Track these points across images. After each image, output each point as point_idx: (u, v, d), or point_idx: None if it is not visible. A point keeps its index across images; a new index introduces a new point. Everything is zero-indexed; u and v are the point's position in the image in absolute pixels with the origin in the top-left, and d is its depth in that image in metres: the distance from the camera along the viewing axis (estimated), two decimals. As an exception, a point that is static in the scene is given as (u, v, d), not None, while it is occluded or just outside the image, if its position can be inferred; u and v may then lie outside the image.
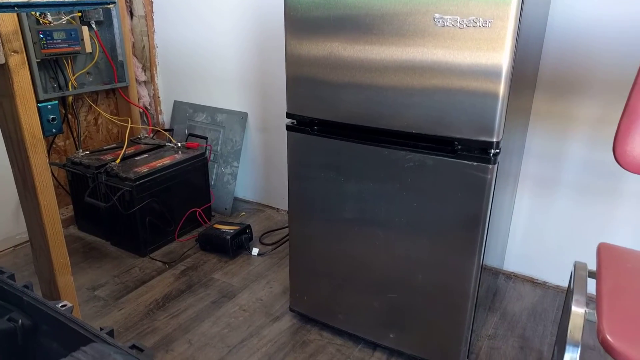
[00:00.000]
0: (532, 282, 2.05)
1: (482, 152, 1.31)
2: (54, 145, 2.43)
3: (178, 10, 2.59)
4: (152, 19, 2.68)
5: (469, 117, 1.28)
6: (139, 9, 2.62)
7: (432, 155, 1.37)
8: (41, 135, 1.38)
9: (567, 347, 0.96)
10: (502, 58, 1.20)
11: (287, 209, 2.65)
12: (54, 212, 1.45)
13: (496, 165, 1.31)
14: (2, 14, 1.24)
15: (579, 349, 0.96)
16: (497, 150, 1.30)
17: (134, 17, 2.64)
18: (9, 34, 1.24)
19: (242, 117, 2.59)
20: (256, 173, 2.69)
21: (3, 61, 1.26)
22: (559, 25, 1.72)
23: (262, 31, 2.37)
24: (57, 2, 1.24)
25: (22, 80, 1.30)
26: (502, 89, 1.23)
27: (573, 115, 1.79)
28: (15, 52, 1.27)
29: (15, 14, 1.27)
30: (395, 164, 1.42)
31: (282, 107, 2.45)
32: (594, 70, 1.71)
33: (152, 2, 2.64)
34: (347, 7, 1.35)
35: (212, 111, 2.69)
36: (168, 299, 1.91)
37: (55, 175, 2.45)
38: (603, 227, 1.84)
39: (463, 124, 1.30)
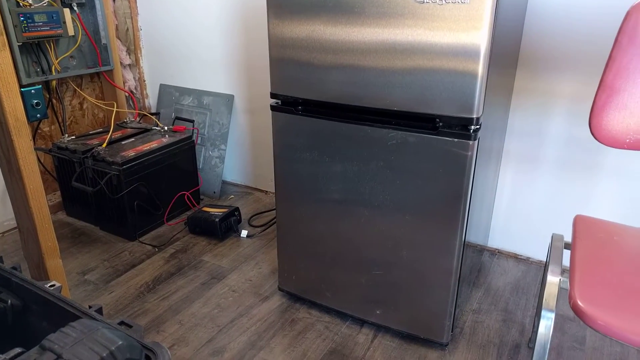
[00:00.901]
0: (516, 257, 2.09)
1: (462, 128, 1.33)
2: (39, 131, 2.42)
3: (161, -8, 2.56)
4: (135, 0, 2.65)
5: (449, 95, 1.30)
6: (121, -9, 2.59)
7: (414, 133, 1.39)
8: (25, 119, 1.37)
9: (542, 313, 0.99)
10: (480, 35, 1.22)
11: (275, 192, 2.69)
12: (40, 195, 1.45)
13: (477, 142, 1.34)
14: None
15: (553, 315, 0.99)
16: (477, 127, 1.32)
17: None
18: (-13, 16, 1.23)
19: (229, 99, 2.59)
20: (244, 156, 2.70)
21: (-18, 44, 1.25)
22: (540, 2, 1.73)
23: (247, 11, 2.35)
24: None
25: (3, 63, 1.30)
26: (481, 66, 1.24)
27: (553, 92, 1.82)
28: (-5, 34, 1.26)
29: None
30: (378, 142, 1.44)
31: (268, 88, 2.44)
32: (573, 47, 1.73)
33: (134, -16, 2.61)
34: (328, -14, 1.35)
35: (199, 94, 2.68)
36: (158, 282, 1.93)
37: (42, 161, 2.44)
38: (583, 201, 1.88)
39: (444, 102, 1.32)
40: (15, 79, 1.33)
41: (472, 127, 1.32)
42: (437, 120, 1.35)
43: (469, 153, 1.34)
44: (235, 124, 2.64)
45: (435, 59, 1.28)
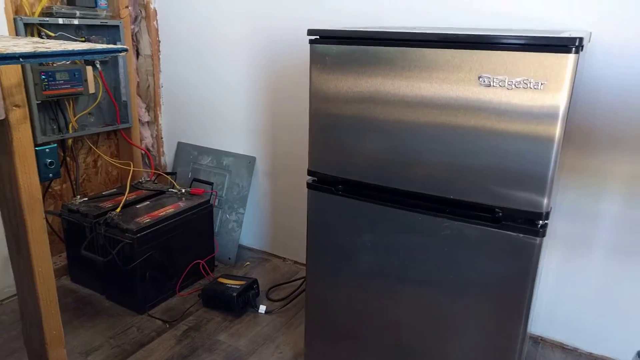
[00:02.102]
0: (562, 347, 1.90)
1: (528, 222, 1.19)
2: (49, 190, 2.29)
3: (185, 49, 2.50)
4: (159, 58, 2.59)
5: (515, 182, 1.17)
6: (145, 48, 2.53)
7: (472, 225, 1.24)
8: (40, 196, 1.24)
9: None
10: (553, 123, 1.10)
11: (294, 259, 2.53)
12: (49, 279, 1.30)
13: (544, 238, 1.19)
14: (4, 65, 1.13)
15: None
16: (546, 222, 1.18)
17: (140, 57, 2.55)
18: (11, 87, 1.12)
19: (250, 161, 2.47)
20: (263, 220, 2.55)
21: (3, 116, 1.14)
22: (593, 76, 1.63)
23: (273, 72, 2.28)
24: (65, 51, 1.12)
25: (22, 137, 1.18)
26: (553, 153, 1.12)
27: (608, 170, 1.69)
28: (17, 106, 1.15)
29: (19, 66, 1.16)
30: (430, 231, 1.30)
31: (293, 151, 2.33)
32: (630, 122, 1.62)
33: (159, 41, 2.55)
34: (381, 58, 1.25)
35: (218, 154, 2.57)
36: (169, 367, 1.74)
37: (50, 221, 2.30)
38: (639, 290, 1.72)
39: (508, 189, 1.18)
40: (33, 153, 1.20)
41: (541, 222, 1.18)
42: (498, 210, 1.21)
43: (535, 250, 1.19)
44: (256, 187, 2.51)
45: (502, 140, 1.16)
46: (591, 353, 1.86)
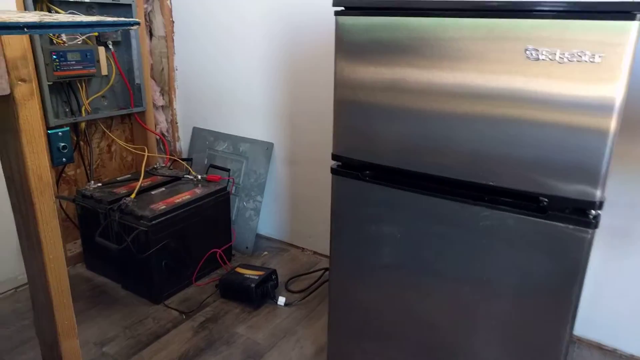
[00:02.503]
0: (600, 348, 1.79)
1: (578, 212, 1.08)
2: (63, 175, 2.23)
3: (201, 30, 2.41)
4: (173, 39, 2.50)
5: (564, 164, 1.05)
6: (159, 29, 2.44)
7: (515, 214, 1.14)
8: (49, 179, 1.16)
9: None
10: (612, 102, 0.98)
11: (313, 249, 2.44)
12: (61, 268, 1.22)
13: (596, 230, 1.08)
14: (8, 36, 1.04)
15: None
16: (599, 212, 1.07)
17: (153, 38, 2.46)
18: (16, 59, 1.04)
19: (268, 147, 2.38)
20: (281, 209, 2.46)
21: (8, 91, 1.05)
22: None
23: (293, 54, 2.17)
24: (73, 22, 1.03)
25: (29, 114, 1.09)
26: (611, 131, 1.00)
27: (656, 160, 1.56)
28: (23, 80, 1.07)
29: (24, 37, 1.07)
30: (467, 221, 1.19)
31: (313, 137, 2.23)
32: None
33: (173, 22, 2.46)
34: (413, 31, 1.13)
35: (235, 140, 2.48)
36: None
37: (64, 207, 2.24)
38: (690, 290, 1.59)
39: (556, 175, 1.07)
40: (42, 132, 1.12)
41: (594, 212, 1.06)
42: (543, 199, 1.10)
43: (586, 244, 1.08)
44: (273, 175, 2.42)
45: (548, 116, 1.05)
46: (633, 355, 1.74)
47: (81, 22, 1.05)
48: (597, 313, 1.77)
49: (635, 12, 0.92)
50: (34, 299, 1.33)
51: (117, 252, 1.97)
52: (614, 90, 0.97)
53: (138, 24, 1.17)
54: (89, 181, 2.23)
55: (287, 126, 2.31)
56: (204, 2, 2.34)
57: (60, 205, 2.21)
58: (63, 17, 1.22)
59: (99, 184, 2.16)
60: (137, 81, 2.37)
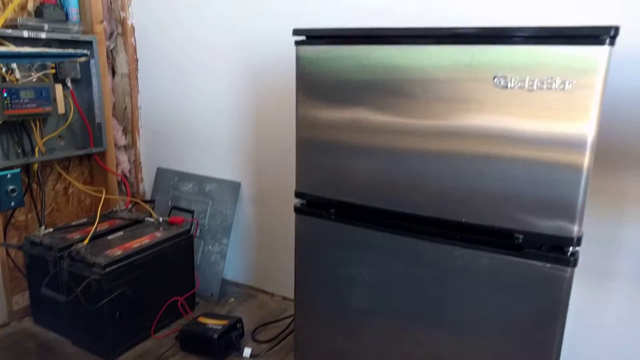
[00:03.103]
0: (586, 393, 1.68)
1: (556, 249, 1.00)
2: (12, 220, 2.07)
3: (166, 69, 2.34)
4: (137, 77, 2.42)
5: (538, 202, 0.99)
6: (122, 66, 2.37)
7: (489, 253, 1.05)
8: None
9: None
10: (585, 130, 0.93)
11: (283, 295, 2.31)
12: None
13: (575, 268, 1.00)
14: None
15: None
16: (577, 249, 0.99)
17: (116, 75, 2.38)
18: None
19: (234, 187, 2.28)
20: (248, 252, 2.34)
21: None
22: (615, 88, 1.47)
23: (259, 93, 2.11)
24: (14, 52, 0.95)
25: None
26: (585, 165, 0.94)
27: (631, 193, 1.51)
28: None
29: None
30: (440, 261, 1.10)
31: (281, 176, 2.14)
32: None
33: (137, 60, 2.39)
34: (377, 61, 1.08)
35: (200, 180, 2.37)
36: None
37: (12, 256, 2.07)
38: (675, 330, 1.52)
39: (530, 211, 1.00)
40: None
41: (572, 248, 0.99)
42: (518, 236, 1.03)
43: (565, 283, 1.00)
44: (241, 215, 2.31)
45: (520, 151, 0.98)
46: (619, 398, 1.64)
47: (20, 52, 0.97)
48: (581, 350, 1.68)
49: (604, 37, 0.88)
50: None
51: (65, 304, 1.80)
52: (587, 123, 0.92)
53: (86, 55, 1.08)
54: (40, 227, 2.07)
55: (255, 165, 2.22)
56: (169, 41, 2.29)
57: (8, 253, 2.04)
58: (3, 48, 1.13)
59: (51, 230, 2.01)
60: (97, 120, 2.26)
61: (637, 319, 1.56)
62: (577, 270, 1.60)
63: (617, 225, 1.55)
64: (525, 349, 1.06)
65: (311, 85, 1.17)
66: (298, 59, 1.18)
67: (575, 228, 0.97)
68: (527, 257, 1.02)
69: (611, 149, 1.51)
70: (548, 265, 1.00)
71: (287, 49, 1.97)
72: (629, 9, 1.40)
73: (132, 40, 2.35)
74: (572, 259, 0.99)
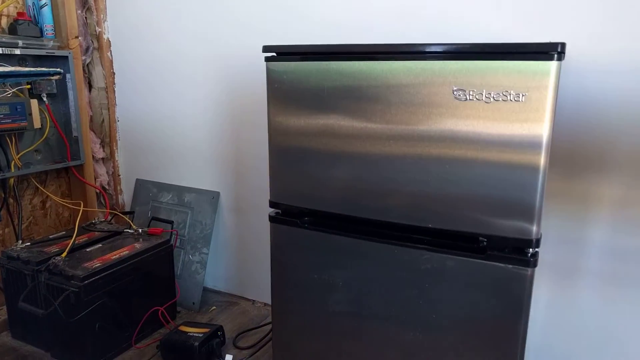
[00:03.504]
0: (557, 387, 1.75)
1: (517, 251, 1.06)
2: (-11, 235, 2.07)
3: (143, 81, 2.36)
4: (114, 90, 2.44)
5: (499, 207, 1.04)
6: (99, 80, 2.38)
7: (454, 256, 1.11)
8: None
9: None
10: (539, 139, 0.99)
11: (264, 301, 2.34)
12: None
13: (536, 268, 1.06)
14: None
15: None
16: (537, 250, 1.05)
17: (92, 89, 2.39)
18: None
19: (214, 196, 2.30)
20: (228, 260, 2.36)
21: None
22: (572, 97, 1.55)
23: (236, 103, 2.15)
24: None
25: None
26: (541, 166, 1.00)
27: (593, 195, 1.59)
28: None
29: None
30: (409, 265, 1.15)
31: (259, 185, 2.18)
32: (615, 144, 1.53)
33: (114, 73, 2.41)
34: (344, 75, 1.13)
35: (180, 190, 2.39)
36: None
37: (-11, 271, 2.06)
38: (636, 325, 1.59)
39: (492, 216, 1.05)
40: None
41: (531, 249, 1.05)
42: (482, 239, 1.08)
43: (527, 282, 1.06)
44: (220, 225, 2.34)
45: (481, 160, 1.04)
46: (588, 391, 1.71)
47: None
48: (550, 348, 1.75)
49: (552, 53, 0.95)
50: None
51: (44, 317, 1.80)
52: (540, 128, 0.98)
53: (59, 73, 1.11)
54: (17, 241, 2.07)
55: (233, 174, 2.25)
56: (145, 55, 2.31)
57: (-15, 268, 2.03)
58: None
59: (28, 243, 2.01)
60: (74, 134, 2.27)
61: (604, 311, 1.64)
62: (547, 268, 1.68)
63: (582, 225, 1.63)
64: (492, 343, 1.11)
65: (282, 96, 1.21)
66: (268, 72, 1.22)
67: (534, 229, 1.03)
68: (490, 259, 1.08)
69: (574, 154, 1.59)
70: (510, 266, 1.06)
71: (262, 61, 2.02)
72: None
73: (109, 54, 2.37)
74: (532, 259, 1.05)
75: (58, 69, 1.11)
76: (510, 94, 0.99)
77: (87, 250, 1.98)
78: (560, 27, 1.51)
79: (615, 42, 1.46)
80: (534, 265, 1.04)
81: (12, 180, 2.09)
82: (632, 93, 1.47)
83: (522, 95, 0.98)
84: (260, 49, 1.98)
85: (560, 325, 1.71)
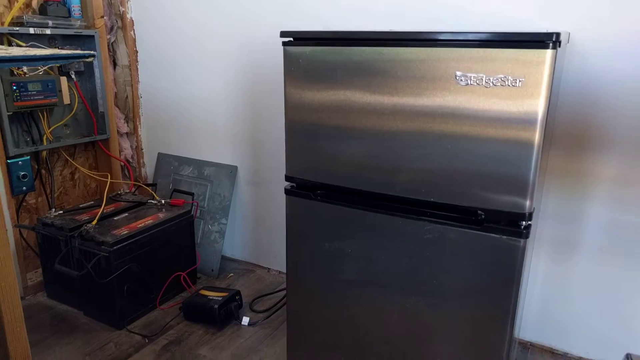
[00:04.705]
0: (552, 353, 1.87)
1: (511, 224, 1.16)
2: (24, 204, 2.22)
3: (164, 58, 2.46)
4: (137, 68, 2.54)
5: (497, 181, 1.14)
6: (123, 58, 2.49)
7: (454, 227, 1.21)
8: (1, 208, 1.18)
9: None
10: (534, 119, 1.07)
11: (279, 269, 2.48)
12: (13, 295, 1.23)
13: (528, 239, 1.16)
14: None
15: None
16: (529, 223, 1.15)
17: (117, 67, 2.50)
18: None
19: (232, 170, 2.43)
20: (246, 230, 2.50)
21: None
22: (574, 79, 1.62)
23: (254, 79, 2.24)
24: (26, 57, 1.08)
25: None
26: (536, 145, 1.09)
27: (592, 173, 1.67)
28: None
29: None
30: (412, 235, 1.26)
31: (276, 159, 2.29)
32: (615, 124, 1.60)
33: (137, 52, 2.51)
34: (356, 59, 1.22)
35: (199, 164, 2.52)
36: (147, 384, 1.67)
37: (24, 236, 2.23)
38: (630, 295, 1.69)
39: (490, 190, 1.15)
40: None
41: (524, 222, 1.14)
42: (480, 213, 1.18)
43: (519, 252, 1.16)
44: (238, 197, 2.46)
45: (482, 130, 1.13)
46: (581, 357, 1.82)
47: (34, 55, 1.10)
48: (548, 319, 1.85)
49: (548, 42, 1.02)
50: (-11, 328, 1.33)
51: (77, 278, 1.96)
52: (536, 110, 1.07)
53: (93, 56, 1.22)
54: (50, 209, 2.22)
55: (250, 149, 2.36)
56: (167, 33, 2.40)
57: (21, 234, 2.20)
58: (17, 51, 1.26)
59: (60, 212, 2.16)
60: (100, 109, 2.39)
61: (598, 282, 1.74)
62: (546, 243, 1.78)
63: (581, 202, 1.71)
64: (487, 307, 1.22)
65: (298, 77, 1.31)
66: (286, 55, 1.31)
67: (527, 203, 1.13)
68: (487, 230, 1.18)
69: (575, 134, 1.67)
70: (504, 237, 1.16)
71: (279, 40, 2.10)
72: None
73: (132, 33, 2.46)
74: (524, 231, 1.14)
75: (92, 52, 1.21)
76: (508, 80, 1.07)
77: (115, 218, 2.13)
78: (567, 13, 1.57)
79: (619, 25, 1.52)
80: (526, 236, 1.14)
81: (44, 153, 2.23)
82: (634, 75, 1.53)
83: (519, 80, 1.06)
84: (281, 27, 2.07)
85: (557, 297, 1.82)
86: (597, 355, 1.79)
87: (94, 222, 2.03)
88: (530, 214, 1.14)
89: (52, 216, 2.11)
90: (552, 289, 1.83)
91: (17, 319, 1.25)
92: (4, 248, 1.17)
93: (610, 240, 1.68)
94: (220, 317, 1.97)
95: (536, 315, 1.88)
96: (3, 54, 1.05)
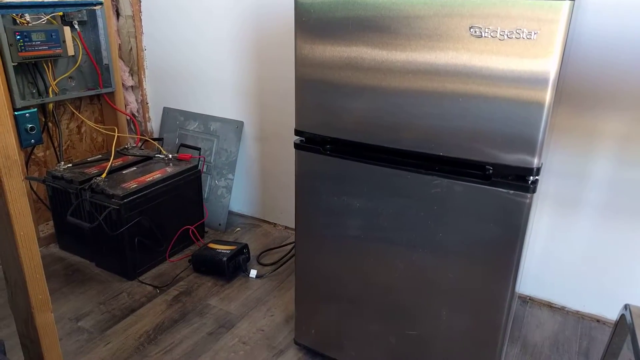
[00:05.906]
0: (550, 306, 1.92)
1: (519, 178, 1.17)
2: (32, 156, 2.24)
3: (168, 9, 2.41)
4: (140, 19, 2.49)
5: (505, 135, 1.14)
6: (125, 8, 2.43)
7: (462, 182, 1.22)
8: (17, 157, 1.19)
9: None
10: (546, 76, 1.06)
11: (285, 224, 2.52)
12: (32, 243, 1.27)
13: (535, 195, 1.18)
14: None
15: None
16: (537, 178, 1.16)
17: (120, 18, 2.45)
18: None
19: (238, 125, 2.42)
20: (252, 185, 2.52)
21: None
22: (587, 33, 1.59)
23: (260, 33, 2.20)
24: (35, 2, 1.06)
25: (-7, 94, 1.12)
26: (546, 103, 1.08)
27: (598, 130, 1.67)
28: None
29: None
30: (419, 189, 1.27)
31: (282, 115, 2.28)
32: (622, 81, 1.59)
33: (140, 2, 2.45)
34: (368, 9, 1.19)
35: (205, 119, 2.51)
36: (160, 331, 1.74)
37: (35, 189, 2.26)
38: (628, 250, 1.72)
39: (498, 144, 1.15)
40: (7, 110, 1.15)
41: (532, 177, 1.15)
42: (488, 167, 1.19)
43: (526, 207, 1.17)
44: (244, 152, 2.47)
45: (491, 89, 1.13)
46: (578, 311, 1.88)
47: (43, 2, 1.08)
48: (547, 274, 1.90)
49: (565, -8, 1.00)
50: (7, 277, 1.37)
51: (89, 230, 2.01)
52: (548, 65, 1.05)
53: (101, 3, 1.19)
54: (59, 162, 2.24)
55: (257, 104, 2.35)
56: (169, -19, 2.34)
57: (31, 186, 2.22)
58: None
59: (69, 165, 2.18)
60: (105, 61, 2.37)
61: (598, 240, 1.77)
62: (550, 200, 1.79)
63: (586, 160, 1.72)
64: (491, 261, 1.25)
65: (309, 29, 1.28)
66: (296, 6, 1.29)
67: (536, 160, 1.13)
68: (494, 185, 1.19)
69: (585, 91, 1.65)
70: (512, 191, 1.17)
71: (286, -8, 2.05)
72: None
73: (135, -19, 2.40)
74: (532, 186, 1.15)
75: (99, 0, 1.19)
76: (523, 32, 1.05)
77: (123, 172, 2.15)
78: (584, -38, 1.52)
79: (637, -21, 1.48)
80: (533, 191, 1.16)
81: (50, 105, 2.22)
82: (649, 31, 1.51)
83: (534, 33, 1.04)
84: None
85: (557, 252, 1.86)
86: (593, 309, 1.85)
87: (104, 175, 2.05)
88: (538, 169, 1.14)
89: (61, 169, 2.13)
90: (552, 245, 1.86)
91: (37, 266, 1.29)
92: (22, 198, 1.19)
93: (613, 196, 1.70)
94: (228, 269, 2.03)
95: (537, 270, 1.92)
96: (10, 0, 1.03)
